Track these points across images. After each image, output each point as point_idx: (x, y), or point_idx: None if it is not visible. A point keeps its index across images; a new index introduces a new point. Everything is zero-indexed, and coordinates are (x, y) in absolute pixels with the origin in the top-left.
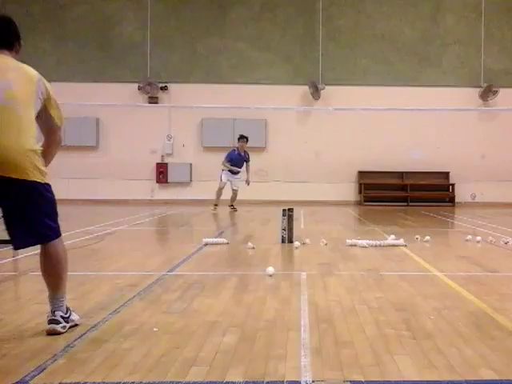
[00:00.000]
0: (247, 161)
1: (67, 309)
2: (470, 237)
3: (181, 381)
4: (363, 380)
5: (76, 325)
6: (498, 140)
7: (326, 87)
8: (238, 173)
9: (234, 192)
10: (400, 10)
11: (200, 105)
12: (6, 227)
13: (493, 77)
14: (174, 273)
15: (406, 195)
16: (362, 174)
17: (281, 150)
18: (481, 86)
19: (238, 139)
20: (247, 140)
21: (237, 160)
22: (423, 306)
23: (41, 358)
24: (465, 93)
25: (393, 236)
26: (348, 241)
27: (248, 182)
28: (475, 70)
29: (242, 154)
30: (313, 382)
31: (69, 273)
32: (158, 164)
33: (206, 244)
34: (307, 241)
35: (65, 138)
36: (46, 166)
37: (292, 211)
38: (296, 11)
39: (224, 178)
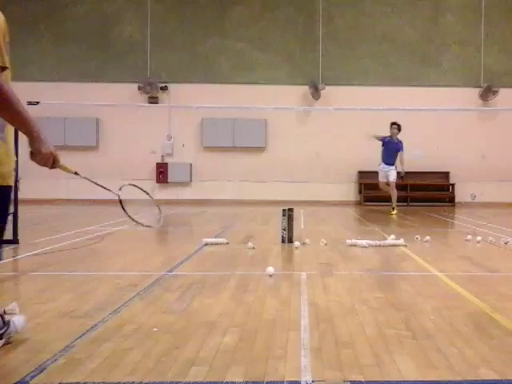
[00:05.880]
0: (400, 149)
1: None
2: (470, 237)
3: (181, 381)
4: (363, 380)
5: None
6: (498, 140)
7: (326, 87)
8: (391, 163)
9: (391, 184)
10: (400, 10)
11: (200, 105)
12: None
13: (493, 77)
14: (173, 273)
15: (406, 195)
16: (361, 174)
17: (281, 150)
18: (481, 86)
19: (390, 126)
20: (399, 128)
21: (388, 144)
22: (423, 305)
23: (41, 358)
24: (465, 93)
25: (393, 236)
26: (348, 241)
27: (402, 174)
28: (475, 70)
29: (395, 141)
30: (313, 382)
31: (69, 273)
32: (158, 164)
33: (206, 244)
34: (307, 241)
35: (65, 138)
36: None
37: (292, 211)
38: (296, 11)
39: (381, 176)
